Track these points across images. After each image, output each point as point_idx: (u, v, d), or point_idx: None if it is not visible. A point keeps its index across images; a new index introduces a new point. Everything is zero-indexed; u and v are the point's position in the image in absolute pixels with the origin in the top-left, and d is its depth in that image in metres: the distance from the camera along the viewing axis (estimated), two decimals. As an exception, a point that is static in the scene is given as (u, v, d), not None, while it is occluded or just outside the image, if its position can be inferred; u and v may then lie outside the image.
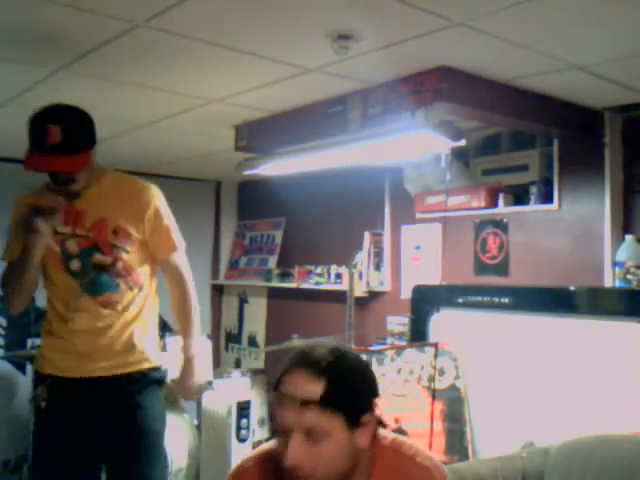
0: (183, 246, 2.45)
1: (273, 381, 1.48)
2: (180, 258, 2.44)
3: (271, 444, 1.52)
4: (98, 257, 2.23)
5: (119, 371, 2.27)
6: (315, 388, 1.38)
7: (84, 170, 2.17)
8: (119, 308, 2.27)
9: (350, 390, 1.41)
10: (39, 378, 2.33)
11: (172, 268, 2.44)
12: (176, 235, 2.41)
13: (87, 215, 2.24)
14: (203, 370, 2.54)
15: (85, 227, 2.23)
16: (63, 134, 2.06)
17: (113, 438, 2.28)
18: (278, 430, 1.43)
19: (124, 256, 2.26)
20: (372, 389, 1.48)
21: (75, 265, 2.23)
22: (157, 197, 2.36)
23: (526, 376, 3.03)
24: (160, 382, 2.43)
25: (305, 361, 1.43)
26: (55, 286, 2.29)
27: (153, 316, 2.43)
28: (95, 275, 2.24)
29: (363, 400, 1.44)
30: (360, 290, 4.29)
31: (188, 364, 2.46)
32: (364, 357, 3.17)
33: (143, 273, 2.34)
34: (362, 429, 1.42)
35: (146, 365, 2.34)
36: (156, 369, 2.40)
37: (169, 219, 2.38)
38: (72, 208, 2.24)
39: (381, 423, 1.53)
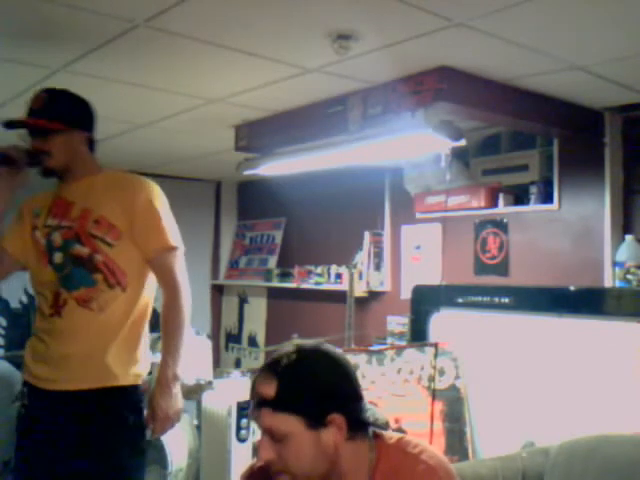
0: (181, 250, 2.20)
1: None
2: (174, 261, 2.17)
3: None
4: (77, 248, 2.10)
5: (81, 386, 2.06)
6: (268, 390, 1.40)
7: (59, 144, 2.11)
8: (94, 306, 2.08)
9: (304, 391, 1.40)
10: (23, 381, 2.24)
11: (163, 270, 2.16)
12: (172, 235, 2.17)
13: (75, 206, 2.15)
14: (179, 403, 2.15)
15: (70, 218, 2.13)
16: (44, 101, 2.13)
17: (71, 466, 2.04)
18: None
19: (105, 249, 2.08)
20: (339, 389, 1.45)
21: (58, 258, 2.12)
22: (150, 190, 2.18)
23: (526, 376, 3.03)
24: (132, 406, 2.12)
25: (271, 361, 1.45)
26: (39, 281, 2.19)
27: (140, 326, 2.18)
28: (72, 268, 2.10)
29: (323, 400, 1.41)
30: (360, 290, 4.29)
31: (162, 386, 2.11)
32: (364, 357, 3.17)
33: (131, 274, 2.13)
34: (328, 428, 1.40)
35: (111, 383, 2.07)
36: (126, 390, 2.10)
37: (164, 216, 2.17)
38: (62, 200, 2.18)
39: (384, 426, 1.52)
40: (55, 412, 2.08)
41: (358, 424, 1.46)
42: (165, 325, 2.17)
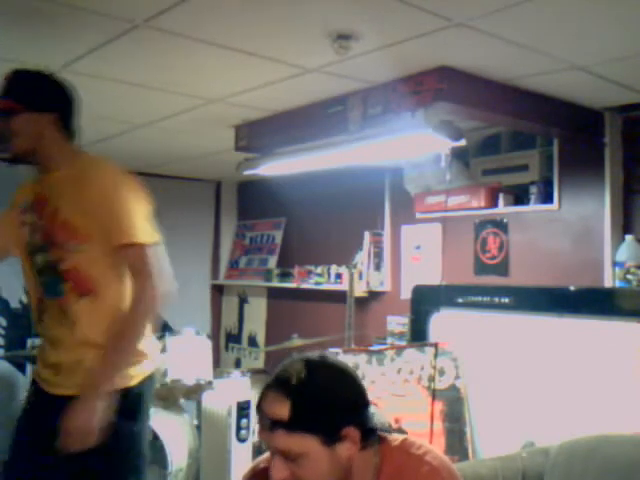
0: (150, 242, 1.95)
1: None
2: (136, 256, 1.93)
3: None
4: (49, 254, 1.99)
5: (76, 391, 1.93)
6: (281, 411, 1.36)
7: (22, 125, 1.97)
8: (67, 316, 1.97)
9: (319, 410, 1.38)
10: (32, 379, 2.17)
11: (129, 266, 1.95)
12: (137, 225, 1.94)
13: (49, 204, 2.01)
14: (91, 421, 1.85)
15: (45, 217, 2.00)
16: (9, 82, 2.01)
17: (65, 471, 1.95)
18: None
19: (72, 256, 1.94)
20: (351, 402, 1.44)
21: (39, 259, 2.01)
22: (107, 181, 1.97)
23: (526, 376, 3.03)
24: (124, 410, 1.94)
25: (278, 378, 1.41)
26: (27, 280, 2.11)
27: None
28: (48, 274, 2.00)
29: (337, 416, 1.39)
30: (360, 290, 4.29)
31: (80, 400, 1.86)
32: (364, 357, 3.17)
33: (103, 278, 1.97)
34: (343, 442, 1.39)
35: None
36: (116, 394, 1.92)
37: (127, 205, 1.94)
38: (41, 195, 2.05)
39: (388, 428, 1.52)
40: (53, 414, 2.01)
41: (370, 433, 1.46)
42: (116, 324, 1.94)
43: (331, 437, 1.38)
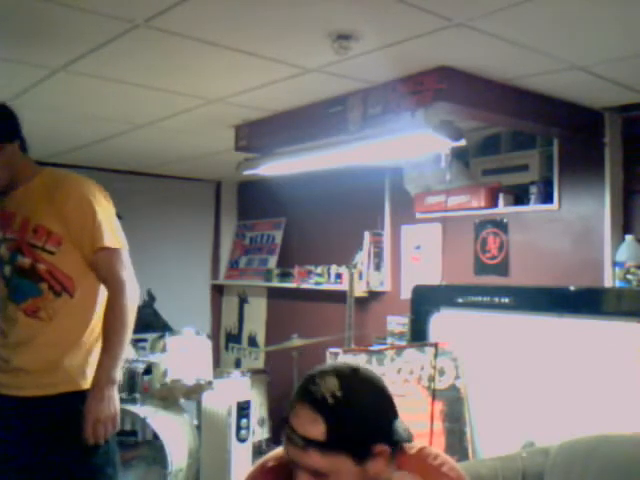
0: (121, 247, 2.11)
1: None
2: (113, 260, 2.08)
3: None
4: (20, 260, 2.07)
5: (44, 392, 2.03)
6: (317, 430, 1.33)
7: (2, 165, 2.09)
8: (43, 316, 2.05)
9: (355, 430, 1.35)
10: None
11: (101, 270, 2.08)
12: (109, 232, 2.08)
13: (16, 217, 2.11)
14: (113, 407, 2.05)
15: (13, 229, 2.10)
16: None
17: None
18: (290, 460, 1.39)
19: (47, 257, 2.05)
20: (384, 419, 1.41)
21: (7, 271, 2.10)
22: (81, 188, 2.10)
23: (526, 376, 3.03)
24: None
25: (312, 394, 1.36)
26: None
27: (94, 329, 2.12)
28: (18, 280, 2.08)
29: (372, 435, 1.37)
30: (360, 290, 4.29)
31: (94, 388, 2.03)
32: (364, 357, 3.17)
33: (78, 277, 2.08)
34: (374, 459, 1.37)
35: (65, 388, 2.05)
36: (80, 394, 2.05)
37: (99, 215, 2.07)
38: (5, 212, 2.15)
39: (409, 438, 1.50)
40: (18, 416, 2.06)
41: (397, 445, 1.43)
42: (104, 325, 2.08)
43: (364, 455, 1.36)
